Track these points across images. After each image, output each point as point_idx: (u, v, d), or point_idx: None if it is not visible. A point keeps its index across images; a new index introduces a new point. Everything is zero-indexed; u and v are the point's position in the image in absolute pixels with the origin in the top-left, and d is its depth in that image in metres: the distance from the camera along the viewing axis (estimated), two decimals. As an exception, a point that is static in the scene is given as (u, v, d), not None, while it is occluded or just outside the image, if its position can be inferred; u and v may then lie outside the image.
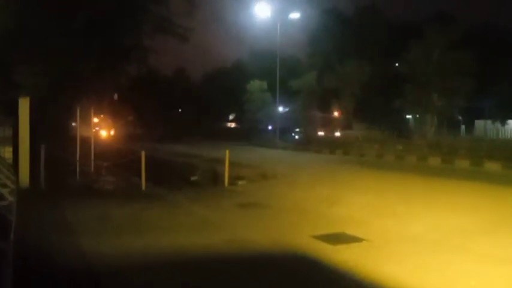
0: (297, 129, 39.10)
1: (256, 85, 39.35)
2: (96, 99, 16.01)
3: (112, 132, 41.03)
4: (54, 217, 7.73)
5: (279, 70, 32.74)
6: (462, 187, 11.71)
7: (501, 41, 31.91)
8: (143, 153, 11.00)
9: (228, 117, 55.75)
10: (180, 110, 57.28)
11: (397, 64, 32.64)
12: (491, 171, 15.19)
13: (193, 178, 12.65)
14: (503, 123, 28.01)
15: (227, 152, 11.83)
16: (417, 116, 30.40)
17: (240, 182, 12.10)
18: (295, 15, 34.69)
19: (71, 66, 11.69)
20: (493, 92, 28.16)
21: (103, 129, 39.16)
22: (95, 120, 22.95)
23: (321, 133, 36.49)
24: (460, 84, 25.83)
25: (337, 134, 35.64)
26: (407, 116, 33.84)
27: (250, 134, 38.64)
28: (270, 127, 40.21)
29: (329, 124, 38.02)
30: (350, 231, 6.69)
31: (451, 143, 20.93)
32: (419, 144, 22.00)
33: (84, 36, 11.96)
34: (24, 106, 10.79)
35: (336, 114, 39.35)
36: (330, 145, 26.11)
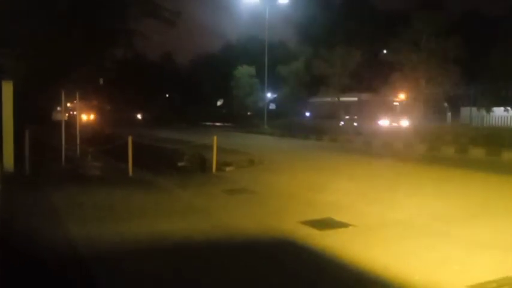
0: (347, 117, 31.86)
1: (244, 70, 39.20)
2: (81, 83, 15.75)
3: (92, 117, 40.57)
4: (40, 203, 7.65)
5: (267, 56, 32.58)
6: (447, 174, 11.89)
7: (488, 29, 32.15)
8: (130, 138, 10.90)
9: (216, 103, 55.46)
10: (167, 96, 56.86)
11: (384, 51, 32.71)
12: (476, 158, 15.44)
13: (180, 164, 12.60)
14: (489, 110, 28.36)
15: (215, 138, 11.79)
16: (404, 102, 30.61)
17: (228, 168, 12.09)
18: (283, 1, 34.43)
19: (54, 50, 11.42)
20: (479, 79, 28.46)
21: (83, 114, 38.83)
22: (68, 104, 22.41)
23: (383, 122, 28.56)
24: (447, 71, 26.06)
25: (405, 123, 27.62)
26: (395, 103, 34.07)
27: (238, 119, 38.51)
28: (307, 114, 37.29)
29: (392, 111, 29.66)
30: (337, 216, 6.76)
31: (437, 129, 21.18)
32: (406, 130, 22.23)
33: (67, 18, 11.69)
34: (7, 90, 10.57)
35: (402, 97, 30.25)
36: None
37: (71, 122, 15.09)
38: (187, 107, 50.39)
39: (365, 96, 31.38)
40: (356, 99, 31.52)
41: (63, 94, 12.98)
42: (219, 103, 55.19)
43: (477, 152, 16.09)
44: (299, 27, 41.68)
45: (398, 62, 27.57)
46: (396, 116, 29.07)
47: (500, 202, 8.05)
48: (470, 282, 4.24)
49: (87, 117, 39.11)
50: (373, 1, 42.73)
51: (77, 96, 14.35)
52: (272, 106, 43.66)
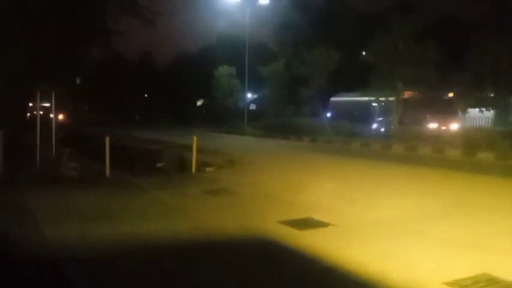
0: (380, 119, 29.51)
1: (224, 71, 38.97)
2: (57, 82, 15.40)
3: (61, 116, 39.77)
4: (16, 205, 7.44)
5: (248, 56, 32.57)
6: (425, 173, 12.08)
7: (463, 31, 32.89)
8: (107, 139, 10.72)
9: (196, 103, 55.05)
10: (146, 96, 56.22)
11: (363, 53, 33.07)
12: (452, 158, 15.75)
13: (159, 164, 12.47)
14: (464, 111, 28.99)
15: (195, 138, 11.70)
16: (382, 104, 31.00)
17: (208, 169, 12.02)
18: (264, 1, 34.48)
19: (27, 48, 11.06)
20: (455, 81, 29.07)
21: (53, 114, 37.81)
22: (30, 104, 21.60)
23: (432, 125, 25.07)
24: (423, 73, 26.48)
25: (454, 126, 24.79)
26: (373, 105, 34.51)
27: (219, 120, 38.28)
28: (328, 114, 35.06)
29: (443, 111, 26.00)
30: (317, 216, 6.78)
31: (414, 131, 21.53)
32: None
33: (41, 16, 11.33)
34: (-21, 89, 10.26)
35: (450, 95, 27.11)
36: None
37: (46, 122, 14.70)
38: (167, 108, 49.89)
39: (407, 93, 27.02)
40: (394, 98, 28.30)
41: (38, 94, 12.67)
42: (198, 103, 54.76)
43: (453, 152, 16.40)
44: (279, 28, 41.82)
45: (377, 63, 27.90)
46: (445, 117, 25.46)
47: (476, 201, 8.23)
48: (446, 279, 4.31)
49: (58, 116, 38.18)
50: (352, 3, 43.36)
51: (53, 96, 14.01)
52: (253, 106, 43.61)
